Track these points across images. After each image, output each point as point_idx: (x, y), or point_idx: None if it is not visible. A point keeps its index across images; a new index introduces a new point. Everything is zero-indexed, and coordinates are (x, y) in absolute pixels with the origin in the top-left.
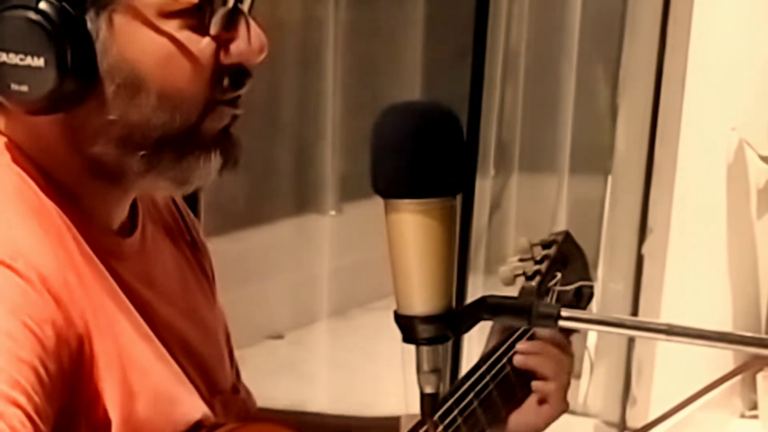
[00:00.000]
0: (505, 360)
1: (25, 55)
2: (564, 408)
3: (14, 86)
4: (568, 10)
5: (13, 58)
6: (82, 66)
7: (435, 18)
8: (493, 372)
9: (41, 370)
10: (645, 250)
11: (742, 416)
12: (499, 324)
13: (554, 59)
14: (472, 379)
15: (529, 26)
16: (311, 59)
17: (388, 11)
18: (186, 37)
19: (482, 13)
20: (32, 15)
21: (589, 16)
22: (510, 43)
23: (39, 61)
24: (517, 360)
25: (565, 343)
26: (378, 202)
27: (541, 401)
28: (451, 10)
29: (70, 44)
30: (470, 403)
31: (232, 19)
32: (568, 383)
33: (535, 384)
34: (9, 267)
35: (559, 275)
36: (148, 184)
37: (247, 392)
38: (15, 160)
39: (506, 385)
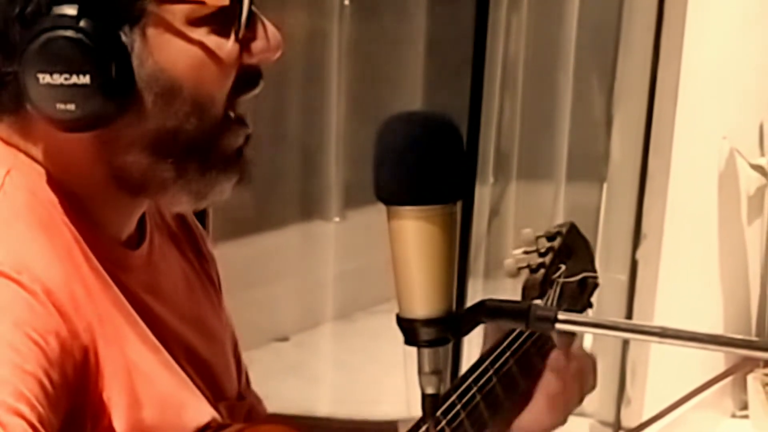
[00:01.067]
0: (508, 354)
1: (70, 74)
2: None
3: (60, 106)
4: (564, 23)
5: (58, 79)
6: (123, 80)
7: (436, 31)
8: (495, 367)
9: (45, 381)
10: (639, 255)
11: (733, 416)
12: (492, 326)
13: (551, 70)
14: (475, 374)
15: (526, 39)
16: (316, 71)
17: (391, 24)
18: (214, 42)
19: (481, 26)
20: (73, 34)
21: (585, 29)
22: (508, 54)
23: (84, 79)
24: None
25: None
26: (381, 209)
27: (552, 406)
28: (451, 23)
29: (112, 60)
30: (473, 397)
31: (250, 20)
32: (582, 399)
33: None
34: (14, 280)
35: (563, 267)
36: (171, 196)
37: (257, 399)
38: (26, 175)
39: (510, 381)
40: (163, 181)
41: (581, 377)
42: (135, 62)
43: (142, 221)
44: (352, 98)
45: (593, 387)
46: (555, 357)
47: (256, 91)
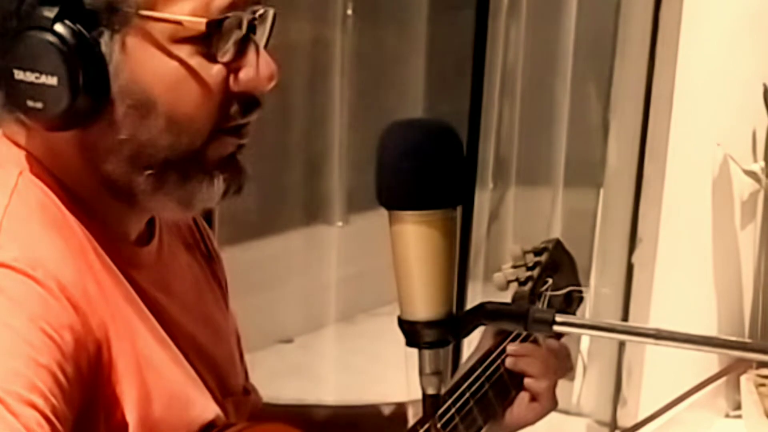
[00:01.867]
0: (499, 361)
1: (40, 73)
2: (553, 405)
3: (30, 103)
4: (562, 32)
5: (29, 76)
6: (94, 86)
7: (436, 40)
8: (488, 373)
9: (59, 374)
10: (635, 259)
11: (727, 416)
12: (491, 327)
13: (549, 78)
14: (469, 380)
15: (525, 47)
16: (320, 79)
17: (393, 34)
18: (197, 63)
19: (481, 35)
20: (48, 36)
21: (583, 38)
22: (507, 63)
23: (52, 80)
24: (508, 362)
25: (554, 344)
26: (383, 213)
27: (532, 399)
28: (451, 32)
29: (83, 65)
30: (467, 402)
31: (243, 46)
32: (556, 382)
33: (526, 382)
34: (29, 276)
35: (550, 281)
36: (156, 204)
37: (253, 390)
38: (37, 176)
39: (501, 385)
40: (144, 191)
41: (557, 363)
42: (111, 71)
43: (151, 221)
44: (355, 105)
45: (570, 368)
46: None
47: (250, 118)
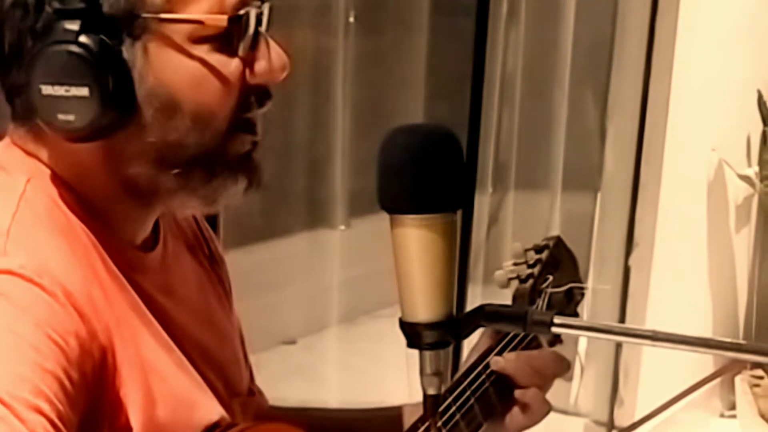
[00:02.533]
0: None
1: (70, 86)
2: (545, 410)
3: (61, 116)
4: (560, 40)
5: (59, 90)
6: (122, 93)
7: (437, 47)
8: (489, 370)
9: (65, 380)
10: (631, 261)
11: (722, 416)
12: (487, 332)
13: (547, 85)
14: (470, 378)
15: (524, 54)
16: (323, 85)
17: (394, 41)
18: (216, 59)
19: (480, 43)
20: (74, 48)
21: (580, 45)
22: (506, 69)
23: (83, 91)
24: (494, 368)
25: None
26: (384, 217)
27: (524, 408)
28: (451, 39)
29: (111, 73)
30: (468, 399)
31: (255, 41)
32: (548, 387)
33: (516, 393)
34: (35, 283)
35: (550, 278)
36: (180, 202)
37: (259, 392)
38: (46, 183)
39: (501, 382)
40: (170, 190)
41: (555, 365)
42: (136, 77)
43: (156, 225)
44: (357, 111)
45: (568, 367)
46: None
47: (264, 110)
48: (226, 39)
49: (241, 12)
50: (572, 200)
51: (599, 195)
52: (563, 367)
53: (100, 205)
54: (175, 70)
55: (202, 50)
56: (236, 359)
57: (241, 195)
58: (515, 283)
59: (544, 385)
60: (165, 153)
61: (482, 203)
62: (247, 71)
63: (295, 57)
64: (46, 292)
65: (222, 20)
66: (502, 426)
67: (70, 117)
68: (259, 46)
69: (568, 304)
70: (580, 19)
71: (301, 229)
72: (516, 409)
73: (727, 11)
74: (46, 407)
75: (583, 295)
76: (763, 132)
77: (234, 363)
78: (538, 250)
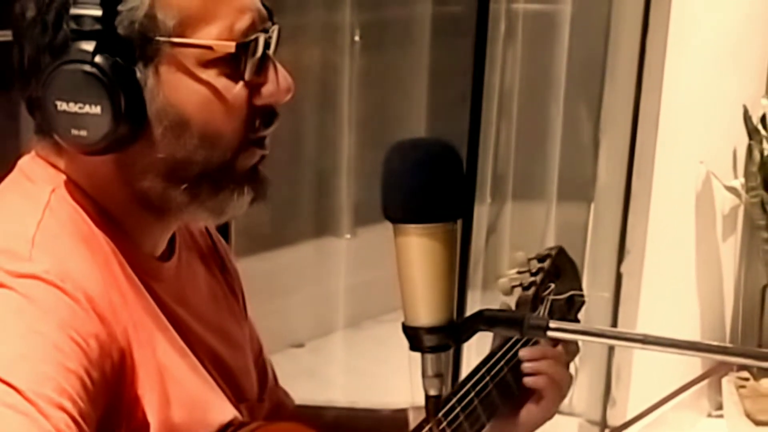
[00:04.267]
0: (503, 363)
1: (84, 104)
2: (558, 395)
3: (74, 131)
4: (555, 58)
5: (73, 107)
6: (133, 112)
7: (438, 64)
8: (492, 373)
9: (86, 379)
10: (623, 268)
11: (709, 416)
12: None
13: (543, 100)
14: (474, 379)
15: (521, 71)
16: (329, 100)
17: (397, 59)
18: (222, 84)
19: (480, 60)
20: (88, 68)
21: (574, 63)
22: (504, 86)
23: (96, 109)
24: (527, 366)
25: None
26: (388, 226)
27: (540, 399)
28: (452, 56)
29: (123, 93)
30: (471, 401)
31: (262, 64)
32: (570, 380)
33: (526, 380)
34: (59, 287)
35: (552, 286)
36: (189, 214)
37: (285, 393)
38: (69, 193)
39: (504, 384)
40: (180, 204)
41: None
42: (147, 96)
43: (172, 238)
44: (362, 125)
45: (577, 350)
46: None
47: (270, 129)
48: (234, 63)
49: (250, 38)
50: (567, 210)
51: (593, 205)
52: (573, 347)
53: (118, 216)
54: (184, 92)
55: (210, 74)
56: (246, 366)
57: (247, 206)
58: (518, 291)
59: (559, 371)
60: (174, 168)
61: (481, 213)
62: (254, 93)
63: (304, 73)
64: (68, 295)
65: (230, 47)
66: (511, 426)
67: (83, 132)
68: (266, 70)
69: (569, 311)
70: (574, 38)
71: (308, 238)
72: (530, 403)
73: (714, 31)
74: (68, 405)
75: (583, 302)
76: (749, 145)
77: (244, 369)
78: (541, 259)
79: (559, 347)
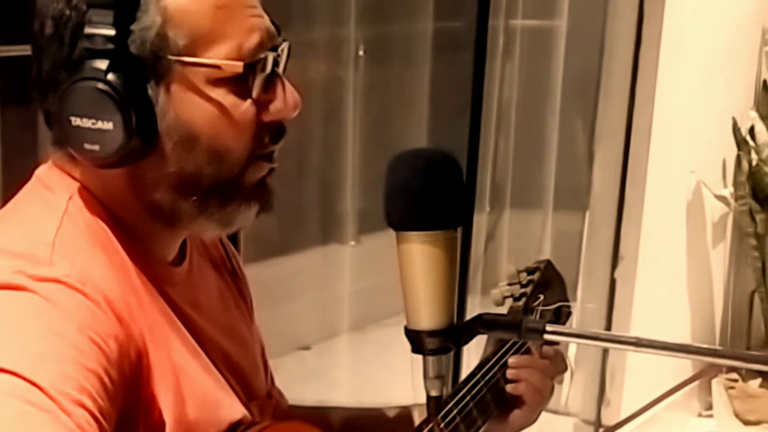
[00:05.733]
0: (497, 368)
1: (97, 119)
2: (539, 399)
3: (87, 146)
4: (551, 72)
5: (86, 122)
6: (144, 127)
7: (439, 78)
8: (486, 378)
9: (105, 378)
10: (617, 274)
11: (699, 415)
12: (492, 336)
13: (540, 113)
14: (469, 384)
15: (518, 85)
16: (335, 112)
17: (400, 73)
18: (231, 101)
19: (479, 74)
20: (101, 85)
21: (570, 76)
22: (503, 99)
23: (108, 125)
24: (510, 373)
25: (550, 350)
26: (391, 234)
27: (523, 404)
28: (452, 71)
29: (134, 109)
30: (467, 404)
31: (270, 82)
32: (552, 386)
33: (507, 387)
34: (79, 290)
35: (541, 297)
36: (198, 225)
37: (280, 394)
38: (85, 202)
39: (497, 388)
40: (189, 215)
41: (552, 367)
42: (158, 113)
43: (183, 243)
44: (366, 136)
45: (565, 369)
46: (527, 359)
47: (278, 145)
48: (242, 81)
49: (258, 57)
50: (563, 218)
51: (587, 213)
52: (564, 367)
53: (131, 224)
54: (194, 109)
55: (219, 92)
56: (255, 365)
57: (254, 217)
58: (510, 301)
59: (551, 385)
60: (184, 182)
61: (480, 221)
62: (262, 110)
63: (310, 86)
64: (88, 298)
65: (238, 66)
66: (504, 426)
67: (96, 147)
68: (273, 87)
69: (557, 321)
70: (570, 53)
71: (314, 245)
72: (517, 410)
73: (705, 46)
74: (89, 402)
75: (570, 313)
76: (738, 156)
77: (253, 369)
78: (530, 271)
79: (547, 361)
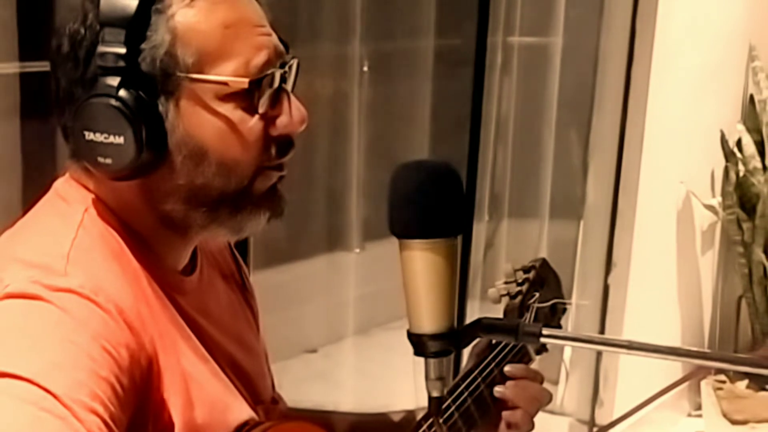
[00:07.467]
0: (493, 365)
1: (109, 134)
2: (529, 429)
3: (100, 159)
4: (548, 86)
5: (99, 137)
6: (154, 142)
7: (440, 93)
8: (483, 375)
9: (117, 385)
10: (610, 280)
11: (689, 415)
12: (482, 341)
13: (537, 126)
14: (467, 381)
15: (516, 99)
16: (340, 125)
17: (402, 88)
18: (238, 116)
19: (478, 89)
20: (113, 102)
21: (565, 91)
22: (501, 112)
23: (119, 139)
24: (497, 392)
25: (537, 376)
26: (394, 241)
27: (509, 425)
28: (453, 86)
29: (145, 124)
30: (465, 400)
31: (277, 97)
32: (537, 411)
33: (505, 414)
34: (92, 301)
35: (537, 294)
36: (210, 233)
37: (279, 397)
38: (100, 213)
39: (493, 386)
40: (200, 225)
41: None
42: (168, 128)
43: (194, 254)
44: (370, 148)
45: (550, 398)
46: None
47: (286, 158)
48: (249, 97)
49: (265, 74)
50: (558, 227)
51: (582, 222)
52: (548, 398)
53: (143, 234)
54: (203, 124)
55: (227, 107)
56: (262, 372)
57: (265, 223)
58: (506, 299)
59: (532, 410)
60: (194, 193)
61: (480, 229)
62: (270, 125)
63: (317, 101)
64: (101, 308)
65: (244, 83)
66: (494, 425)
67: (108, 160)
68: (280, 102)
69: (553, 317)
70: (565, 68)
71: (321, 252)
72: (503, 425)
73: (694, 62)
74: (100, 409)
75: (565, 310)
76: (726, 167)
77: (260, 375)
78: (526, 270)
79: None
